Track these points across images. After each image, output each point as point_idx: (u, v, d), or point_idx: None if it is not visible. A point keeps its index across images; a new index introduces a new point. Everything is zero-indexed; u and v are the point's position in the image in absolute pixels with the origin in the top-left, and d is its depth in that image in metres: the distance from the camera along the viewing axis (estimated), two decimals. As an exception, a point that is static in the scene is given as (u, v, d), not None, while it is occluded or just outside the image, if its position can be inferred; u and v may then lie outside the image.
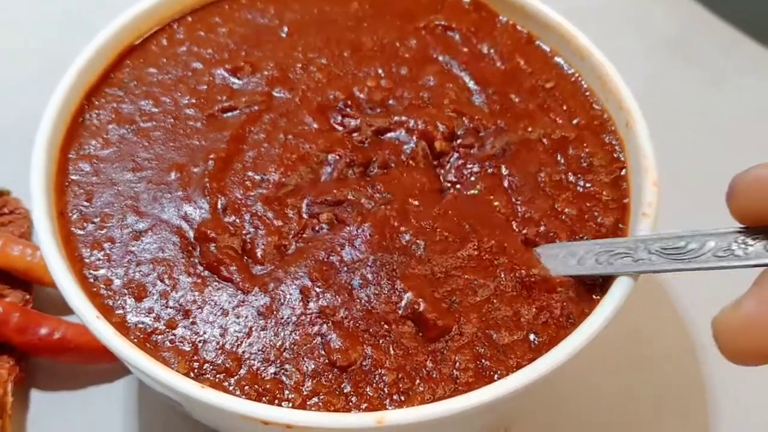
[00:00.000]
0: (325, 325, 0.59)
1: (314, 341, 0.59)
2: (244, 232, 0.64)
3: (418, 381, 0.57)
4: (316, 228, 0.64)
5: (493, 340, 0.59)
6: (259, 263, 0.62)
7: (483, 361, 0.58)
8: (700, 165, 0.94)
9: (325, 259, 0.62)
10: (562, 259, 0.61)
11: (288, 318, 0.60)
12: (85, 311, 0.57)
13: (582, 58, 0.74)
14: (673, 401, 0.78)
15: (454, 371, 0.58)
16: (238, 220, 0.64)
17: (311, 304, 0.60)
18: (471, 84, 0.74)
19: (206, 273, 0.62)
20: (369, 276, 0.61)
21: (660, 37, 1.10)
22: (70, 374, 0.77)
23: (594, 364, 0.77)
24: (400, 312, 0.59)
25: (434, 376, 0.57)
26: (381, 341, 0.59)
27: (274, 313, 0.60)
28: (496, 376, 0.57)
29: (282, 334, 0.59)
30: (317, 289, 0.61)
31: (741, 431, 0.77)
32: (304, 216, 0.64)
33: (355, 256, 0.62)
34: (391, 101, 0.73)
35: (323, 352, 0.58)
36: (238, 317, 0.60)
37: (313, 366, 0.58)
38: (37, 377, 0.77)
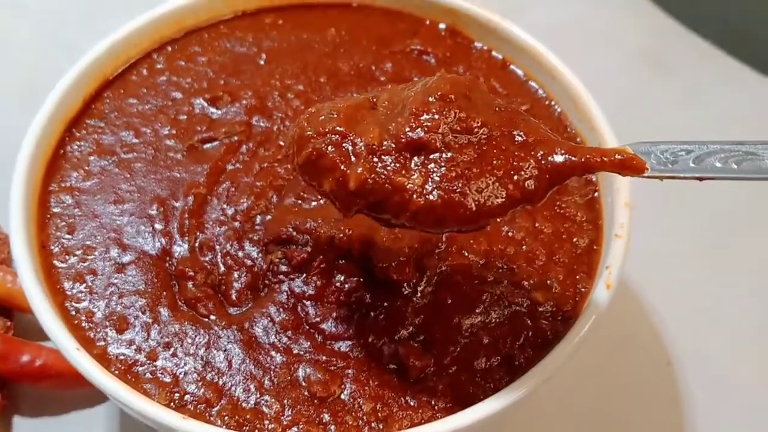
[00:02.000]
0: (303, 362, 0.60)
1: (294, 375, 0.60)
2: (220, 271, 0.65)
3: (396, 408, 0.58)
4: (278, 266, 0.65)
5: (472, 366, 0.60)
6: (233, 305, 0.64)
7: (461, 387, 0.59)
8: (676, 180, 0.95)
9: (291, 306, 0.63)
10: (664, 157, 0.55)
11: (266, 353, 0.61)
12: (65, 344, 0.57)
13: (553, 78, 0.76)
14: (650, 413, 0.79)
15: (433, 399, 0.59)
16: (213, 258, 0.66)
17: (290, 343, 0.61)
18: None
19: (185, 308, 0.63)
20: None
21: (634, 51, 1.11)
22: (52, 400, 0.77)
23: (572, 377, 0.78)
24: (384, 359, 0.61)
25: (412, 404, 0.59)
26: (361, 376, 0.60)
27: (252, 348, 0.61)
28: (474, 400, 0.58)
29: (261, 368, 0.60)
30: (290, 333, 0.62)
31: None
32: (268, 255, 0.66)
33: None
34: None
35: (304, 384, 0.59)
36: (217, 351, 0.61)
37: (292, 397, 0.59)
38: (20, 403, 0.77)
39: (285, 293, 0.63)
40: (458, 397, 0.59)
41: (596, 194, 0.70)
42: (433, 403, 0.59)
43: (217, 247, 0.66)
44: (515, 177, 0.51)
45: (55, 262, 0.65)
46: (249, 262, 0.65)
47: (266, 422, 0.57)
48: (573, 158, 0.52)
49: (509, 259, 0.66)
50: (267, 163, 0.71)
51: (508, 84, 0.78)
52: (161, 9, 0.79)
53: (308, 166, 0.54)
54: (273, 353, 0.61)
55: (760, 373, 0.82)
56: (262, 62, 0.79)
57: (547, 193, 0.52)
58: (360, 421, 0.58)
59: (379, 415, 0.58)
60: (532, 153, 0.52)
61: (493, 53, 0.80)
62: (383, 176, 0.51)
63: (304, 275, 0.64)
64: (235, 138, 0.73)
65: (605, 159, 0.52)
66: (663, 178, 0.53)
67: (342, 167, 0.52)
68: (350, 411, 0.58)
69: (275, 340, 0.61)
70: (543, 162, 0.52)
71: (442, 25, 0.82)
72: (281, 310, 0.63)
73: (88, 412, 0.77)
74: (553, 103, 0.76)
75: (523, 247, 0.66)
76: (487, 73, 0.79)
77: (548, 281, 0.64)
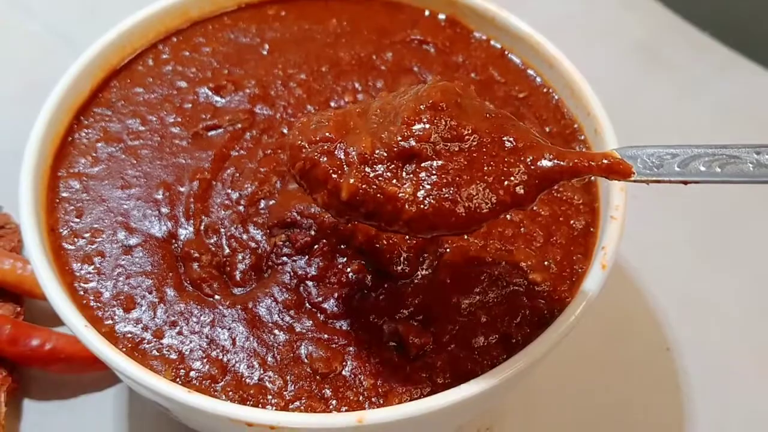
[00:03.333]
0: (306, 340, 0.62)
1: (296, 352, 0.61)
2: (225, 252, 0.67)
3: (396, 384, 0.60)
4: (281, 249, 0.66)
5: (470, 344, 0.62)
6: (237, 285, 0.65)
7: (460, 363, 0.60)
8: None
9: (294, 287, 0.64)
10: (650, 161, 0.55)
11: (269, 332, 0.62)
12: (74, 321, 0.59)
13: (551, 66, 0.77)
14: (649, 398, 0.80)
15: (432, 375, 0.60)
16: (218, 241, 0.67)
17: (292, 322, 0.63)
18: None
19: (190, 288, 0.65)
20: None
21: (632, 43, 1.12)
22: (62, 384, 0.79)
23: (570, 362, 0.79)
24: (384, 337, 0.62)
25: (412, 379, 0.60)
26: (362, 353, 0.61)
27: (256, 327, 0.63)
28: (472, 376, 0.59)
29: (264, 345, 0.62)
30: (293, 312, 0.63)
31: (716, 428, 0.79)
32: (272, 238, 0.67)
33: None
34: None
35: (306, 361, 0.61)
36: (221, 329, 0.63)
37: (295, 373, 0.60)
38: (30, 387, 0.79)
39: (288, 274, 0.65)
40: (456, 373, 0.60)
41: (593, 178, 0.71)
42: (432, 379, 0.60)
43: (222, 230, 0.68)
44: (505, 182, 0.53)
45: (64, 245, 0.66)
46: (253, 245, 0.67)
47: (269, 397, 0.59)
48: (561, 163, 0.53)
49: (507, 240, 0.67)
50: (270, 149, 0.73)
51: (506, 72, 0.79)
52: (166, 1, 0.80)
53: (302, 176, 0.55)
54: (276, 331, 0.62)
55: (759, 358, 0.83)
56: (264, 52, 0.81)
57: (536, 197, 0.53)
58: (361, 396, 0.59)
59: (380, 390, 0.59)
60: (522, 158, 0.53)
61: (492, 42, 0.82)
62: (375, 186, 0.52)
63: (307, 257, 0.65)
64: (239, 125, 0.75)
65: (592, 163, 0.53)
66: (649, 182, 0.54)
67: (334, 177, 0.53)
68: (351, 387, 0.60)
69: (278, 318, 0.63)
70: (532, 167, 0.53)
71: (441, 16, 0.84)
72: (284, 290, 0.64)
73: (97, 395, 0.78)
74: (550, 90, 0.77)
75: (522, 229, 0.68)
76: (485, 61, 0.80)
77: (545, 262, 0.66)
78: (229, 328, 0.63)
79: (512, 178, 0.52)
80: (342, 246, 0.66)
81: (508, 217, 0.68)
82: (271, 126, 0.75)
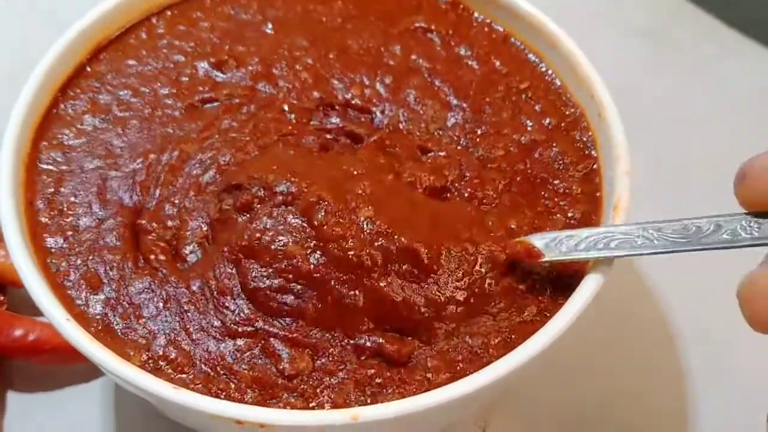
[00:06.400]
0: (264, 331, 0.58)
1: (256, 347, 0.58)
2: (175, 224, 0.63)
3: (388, 386, 0.57)
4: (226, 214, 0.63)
5: (468, 344, 0.58)
6: (182, 259, 0.62)
7: (457, 365, 0.57)
8: (680, 153, 0.94)
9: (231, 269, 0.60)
10: (553, 245, 0.59)
11: (221, 317, 0.59)
12: (54, 313, 0.56)
13: (553, 47, 0.73)
14: (653, 393, 0.78)
15: (427, 374, 0.57)
16: (171, 212, 0.64)
17: (231, 311, 0.59)
18: (451, 98, 0.73)
19: (143, 263, 0.62)
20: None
21: (637, 26, 1.09)
22: (47, 375, 0.76)
23: (572, 357, 0.75)
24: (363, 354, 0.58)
25: (406, 380, 0.57)
26: (333, 353, 0.58)
27: (201, 311, 0.59)
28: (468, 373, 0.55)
29: (218, 333, 0.58)
30: (230, 299, 0.60)
31: (722, 423, 0.76)
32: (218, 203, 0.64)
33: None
34: (373, 113, 0.72)
35: (267, 360, 0.57)
36: (176, 312, 0.59)
37: (260, 370, 0.57)
38: (13, 379, 0.76)
39: (224, 250, 0.61)
40: (452, 372, 0.57)
41: (595, 167, 0.68)
42: (429, 377, 0.57)
43: (177, 200, 0.65)
44: None
45: (41, 218, 0.63)
46: (201, 216, 0.64)
47: (242, 393, 0.56)
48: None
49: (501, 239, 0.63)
50: (263, 123, 0.70)
51: (509, 61, 0.76)
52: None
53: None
54: (221, 317, 0.59)
55: (763, 352, 0.77)
56: (268, 31, 0.78)
57: None
58: (347, 398, 0.56)
59: (368, 391, 0.56)
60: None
61: (494, 26, 0.78)
62: None
63: (251, 227, 0.61)
64: (237, 100, 0.72)
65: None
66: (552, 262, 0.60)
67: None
68: (330, 386, 0.57)
69: (218, 302, 0.59)
70: None
71: None
72: (222, 271, 0.60)
73: (83, 387, 0.76)
74: (552, 75, 0.74)
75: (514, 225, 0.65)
76: (488, 50, 0.77)
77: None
78: (182, 311, 0.59)
79: None
80: (285, 207, 0.61)
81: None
82: (271, 105, 0.71)
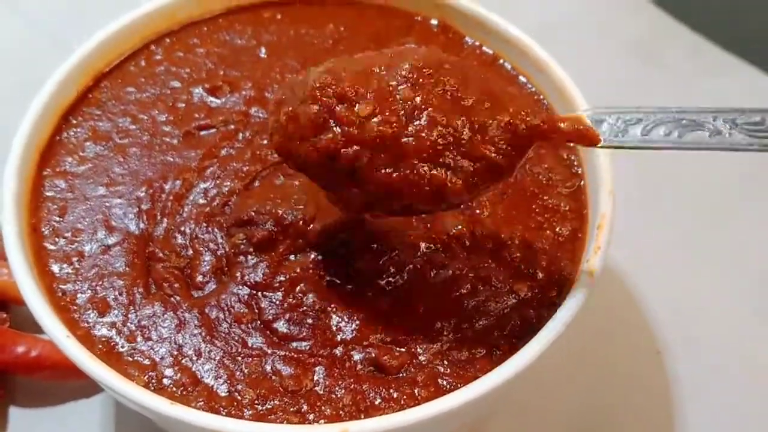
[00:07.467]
0: (266, 356, 0.60)
1: (263, 366, 0.60)
2: (188, 253, 0.65)
3: (378, 401, 0.58)
4: (239, 248, 0.65)
5: (454, 357, 0.60)
6: (196, 288, 0.64)
7: (443, 377, 0.59)
8: (665, 168, 0.95)
9: (247, 300, 0.63)
10: (616, 126, 0.56)
11: (228, 342, 0.61)
12: (55, 332, 0.57)
13: (541, 70, 0.76)
14: (639, 401, 0.79)
15: (415, 389, 0.59)
16: (183, 241, 0.66)
17: (245, 336, 0.61)
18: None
19: (155, 290, 0.64)
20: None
21: (624, 43, 1.11)
22: (48, 391, 0.77)
23: (560, 365, 0.77)
24: (357, 363, 0.60)
25: (395, 395, 0.58)
26: (334, 371, 0.60)
27: (215, 336, 0.61)
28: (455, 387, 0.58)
29: (229, 356, 0.60)
30: (245, 326, 0.62)
31: (706, 431, 0.77)
32: (231, 238, 0.66)
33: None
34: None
35: (274, 378, 0.59)
36: (186, 336, 0.61)
37: (266, 387, 0.59)
38: (16, 395, 0.77)
39: (241, 281, 0.64)
40: (440, 387, 0.59)
41: (582, 183, 0.70)
42: (416, 393, 0.58)
43: (188, 229, 0.67)
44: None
45: (46, 245, 0.65)
46: (213, 246, 0.66)
47: (244, 410, 0.57)
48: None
49: (487, 255, 0.66)
50: (260, 151, 0.71)
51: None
52: (153, 4, 0.79)
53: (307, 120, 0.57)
54: (234, 343, 0.61)
55: (750, 361, 0.82)
56: (262, 55, 0.80)
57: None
58: (341, 412, 0.58)
59: (360, 406, 0.58)
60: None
61: (484, 48, 0.81)
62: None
63: (266, 264, 0.64)
64: (232, 126, 0.73)
65: (562, 125, 0.55)
66: (612, 148, 0.56)
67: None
68: (329, 401, 0.58)
69: (232, 330, 0.61)
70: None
71: (433, 21, 0.83)
72: (237, 300, 0.63)
73: (83, 403, 0.77)
74: (541, 97, 0.76)
75: (506, 239, 0.67)
76: None
77: (530, 270, 0.64)
78: (193, 335, 0.61)
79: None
80: (300, 240, 0.65)
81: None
82: (265, 129, 0.73)
